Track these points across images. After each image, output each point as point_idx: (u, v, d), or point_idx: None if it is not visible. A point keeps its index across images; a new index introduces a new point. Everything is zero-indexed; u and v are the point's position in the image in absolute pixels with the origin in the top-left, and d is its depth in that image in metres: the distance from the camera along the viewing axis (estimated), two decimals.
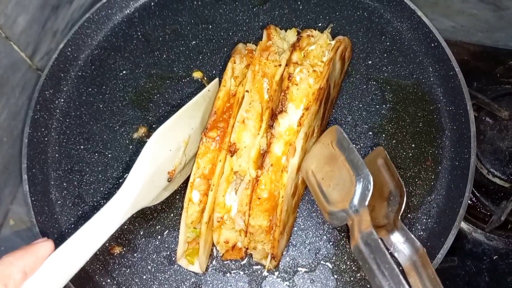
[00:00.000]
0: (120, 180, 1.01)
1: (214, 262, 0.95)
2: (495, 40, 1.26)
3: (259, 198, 0.83)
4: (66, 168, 1.03)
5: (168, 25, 1.14)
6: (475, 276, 1.07)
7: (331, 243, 0.95)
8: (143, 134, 1.05)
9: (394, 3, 1.09)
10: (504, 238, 1.08)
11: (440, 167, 0.99)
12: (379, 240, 0.75)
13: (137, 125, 1.05)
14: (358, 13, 1.12)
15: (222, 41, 1.12)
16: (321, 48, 0.92)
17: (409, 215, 0.96)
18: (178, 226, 0.91)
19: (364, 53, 1.08)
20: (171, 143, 0.89)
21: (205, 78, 1.08)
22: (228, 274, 0.94)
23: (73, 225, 0.99)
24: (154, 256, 0.96)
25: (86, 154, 1.04)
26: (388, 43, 1.09)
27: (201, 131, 0.94)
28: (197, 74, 1.09)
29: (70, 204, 1.00)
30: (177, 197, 0.98)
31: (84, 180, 1.02)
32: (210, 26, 1.13)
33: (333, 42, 0.93)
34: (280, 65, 0.90)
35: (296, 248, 0.95)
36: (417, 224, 0.96)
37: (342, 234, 0.95)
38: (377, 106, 1.04)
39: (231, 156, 0.86)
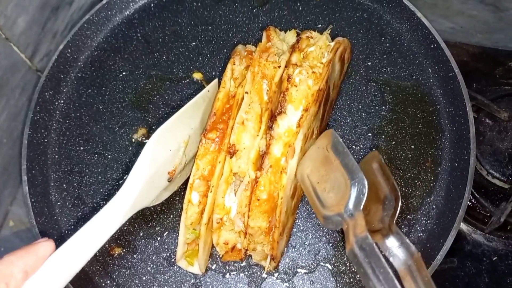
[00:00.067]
0: (120, 181, 1.01)
1: (213, 263, 0.95)
2: (494, 41, 1.26)
3: (258, 200, 0.83)
4: (65, 169, 1.03)
5: (167, 26, 1.14)
6: (474, 277, 1.07)
7: (330, 245, 0.95)
8: (143, 136, 1.05)
9: (394, 5, 1.09)
10: (503, 239, 1.08)
11: (439, 168, 0.99)
12: (374, 244, 0.74)
13: (137, 126, 1.06)
14: (357, 14, 1.12)
15: (221, 42, 1.12)
16: (321, 49, 0.92)
17: (408, 216, 0.97)
18: (177, 227, 0.91)
19: (364, 54, 1.08)
20: (171, 144, 0.89)
21: (205, 79, 1.09)
22: (227, 275, 0.94)
23: (72, 226, 0.99)
24: (153, 257, 0.96)
25: (85, 155, 1.04)
26: (387, 44, 1.09)
27: (201, 131, 0.94)
28: (196, 75, 1.09)
29: (70, 205, 1.00)
30: (177, 198, 0.99)
31: (84, 181, 1.02)
32: (209, 27, 1.13)
33: (332, 44, 0.93)
34: (279, 67, 0.90)
35: (295, 249, 0.95)
36: (417, 225, 0.96)
37: (342, 236, 0.95)
38: (377, 107, 1.04)
39: (231, 157, 0.86)
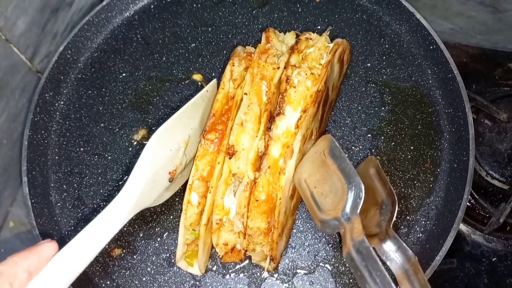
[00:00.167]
0: (120, 182, 1.02)
1: (213, 264, 0.95)
2: (493, 42, 1.26)
3: (257, 200, 0.83)
4: (66, 170, 1.03)
5: (167, 27, 1.14)
6: (474, 278, 1.07)
7: (330, 245, 0.95)
8: (143, 137, 1.05)
9: (393, 6, 1.09)
10: (503, 240, 1.08)
11: (439, 169, 0.99)
12: (371, 248, 0.75)
13: (137, 128, 1.06)
14: (357, 15, 1.12)
15: (221, 43, 1.12)
16: (320, 50, 0.92)
17: (408, 217, 0.97)
18: (177, 228, 0.90)
19: (363, 56, 1.09)
20: (171, 143, 0.89)
21: (205, 80, 1.09)
22: (227, 276, 0.94)
23: (73, 227, 0.99)
24: (153, 258, 0.96)
25: (86, 156, 1.04)
26: (387, 46, 1.09)
27: (201, 131, 0.94)
28: (196, 77, 1.09)
29: (70, 206, 1.00)
30: (177, 199, 0.99)
31: (84, 182, 1.02)
32: (209, 29, 1.13)
33: (331, 45, 0.94)
34: (278, 68, 0.91)
35: (295, 250, 0.95)
36: (416, 226, 0.96)
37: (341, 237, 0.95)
38: (376, 109, 1.05)
39: (230, 158, 0.86)
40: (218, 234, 0.89)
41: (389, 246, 0.86)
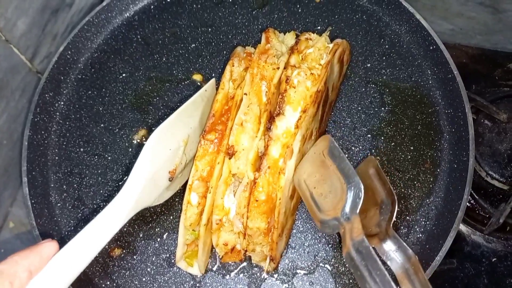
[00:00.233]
0: (120, 183, 1.02)
1: (213, 264, 0.95)
2: (493, 42, 1.26)
3: (256, 201, 0.83)
4: (66, 170, 1.03)
5: (167, 28, 1.14)
6: (474, 278, 1.07)
7: (330, 246, 0.96)
8: (143, 137, 1.05)
9: (393, 6, 1.09)
10: (502, 240, 1.08)
11: (438, 170, 0.99)
12: (371, 248, 0.75)
13: (137, 128, 1.06)
14: (357, 16, 1.12)
15: (221, 44, 1.12)
16: (319, 51, 0.92)
17: (407, 218, 0.97)
18: (177, 228, 0.91)
19: (363, 56, 1.09)
20: (171, 143, 0.89)
21: (205, 80, 1.09)
22: (227, 276, 0.94)
23: (73, 228, 0.99)
24: (153, 258, 0.96)
25: (86, 156, 1.04)
26: (386, 46, 1.09)
27: (200, 131, 0.94)
28: (196, 77, 1.09)
29: (70, 207, 1.01)
30: (177, 199, 0.99)
31: (84, 183, 1.02)
32: (209, 29, 1.13)
33: (331, 45, 0.94)
34: (278, 68, 0.91)
35: (295, 250, 0.95)
36: (416, 226, 0.96)
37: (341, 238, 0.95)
38: (376, 109, 1.05)
39: (229, 158, 0.86)
40: (218, 234, 0.89)
41: (389, 246, 0.86)
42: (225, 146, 0.86)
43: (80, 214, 1.00)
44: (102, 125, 1.06)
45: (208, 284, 0.94)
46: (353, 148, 1.02)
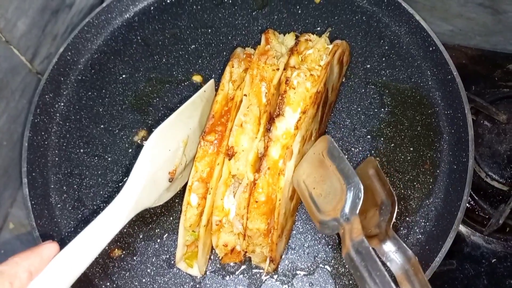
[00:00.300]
0: (120, 184, 1.02)
1: (213, 265, 0.95)
2: (493, 43, 1.26)
3: (256, 202, 0.83)
4: (66, 171, 1.03)
5: (167, 29, 1.14)
6: (473, 279, 1.07)
7: (329, 247, 0.96)
8: (143, 138, 1.05)
9: (392, 8, 1.09)
10: (502, 241, 1.08)
11: (438, 171, 1.00)
12: (370, 248, 0.75)
13: (137, 129, 1.06)
14: (356, 17, 1.12)
15: (221, 45, 1.12)
16: (319, 52, 0.92)
17: (407, 219, 0.97)
18: (177, 229, 0.91)
19: (363, 57, 1.09)
20: (170, 143, 0.89)
21: (204, 81, 1.09)
22: (227, 277, 0.94)
23: (73, 229, 0.99)
24: (153, 260, 0.96)
25: (86, 157, 1.04)
26: (386, 47, 1.09)
27: (200, 131, 0.94)
28: (196, 78, 1.10)
29: (70, 208, 1.01)
30: (177, 200, 0.99)
31: (84, 184, 1.02)
32: (209, 30, 1.13)
33: (330, 46, 0.94)
34: (278, 69, 0.91)
35: (295, 251, 0.96)
36: (416, 227, 0.96)
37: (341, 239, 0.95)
38: (376, 110, 1.05)
39: (229, 159, 0.86)
40: (218, 235, 0.89)
41: (389, 247, 0.86)
42: (225, 147, 0.86)
43: (80, 215, 1.00)
44: (102, 126, 1.06)
45: (208, 285, 0.94)
46: (352, 149, 1.02)
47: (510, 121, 1.12)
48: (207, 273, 0.94)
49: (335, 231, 0.81)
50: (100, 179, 1.02)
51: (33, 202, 0.97)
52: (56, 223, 0.99)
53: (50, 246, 0.72)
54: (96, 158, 1.04)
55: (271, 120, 0.86)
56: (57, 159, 1.04)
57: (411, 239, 0.95)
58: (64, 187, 1.02)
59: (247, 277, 0.94)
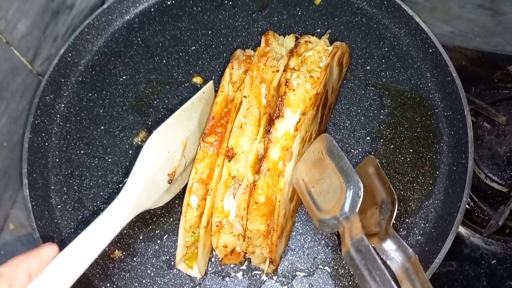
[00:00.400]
0: (120, 185, 1.02)
1: (213, 266, 0.95)
2: (493, 45, 1.26)
3: (256, 203, 0.83)
4: (66, 172, 1.03)
5: (168, 30, 1.14)
6: (473, 280, 1.07)
7: (329, 248, 0.96)
8: (143, 139, 1.05)
9: (392, 9, 1.09)
10: (502, 243, 1.08)
11: (438, 172, 1.00)
12: (370, 247, 0.75)
13: (137, 130, 1.06)
14: (356, 19, 1.12)
15: (221, 46, 1.12)
16: (319, 54, 0.93)
17: (407, 220, 0.97)
18: (177, 230, 0.91)
19: (362, 59, 1.09)
20: (169, 145, 0.90)
21: (205, 83, 1.09)
22: (227, 279, 0.94)
23: (73, 230, 0.99)
24: (153, 261, 0.96)
25: (86, 158, 1.04)
26: (386, 49, 1.09)
27: (199, 133, 0.95)
28: (196, 80, 1.10)
29: (70, 209, 1.01)
30: (177, 201, 0.99)
31: (84, 185, 1.02)
32: (209, 32, 1.14)
33: (330, 48, 0.94)
34: (278, 71, 0.91)
35: (294, 252, 0.96)
36: (415, 229, 0.96)
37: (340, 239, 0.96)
38: (375, 111, 1.05)
39: (229, 161, 0.86)
40: (218, 237, 0.89)
41: (389, 245, 0.86)
42: (225, 148, 0.87)
43: (80, 216, 1.00)
44: (102, 127, 1.06)
45: (208, 286, 0.94)
46: (352, 150, 1.02)
47: (510, 123, 1.12)
48: (207, 274, 0.95)
49: (335, 229, 0.81)
50: (100, 180, 1.02)
51: (33, 203, 0.97)
52: (57, 224, 1.00)
53: (50, 248, 0.72)
54: (96, 159, 1.04)
55: (271, 122, 0.86)
56: (57, 160, 1.04)
57: (410, 240, 0.96)
58: (65, 188, 1.02)
59: (247, 278, 0.94)
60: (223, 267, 0.95)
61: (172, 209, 0.99)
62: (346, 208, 0.78)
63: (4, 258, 0.71)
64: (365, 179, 0.85)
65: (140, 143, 1.05)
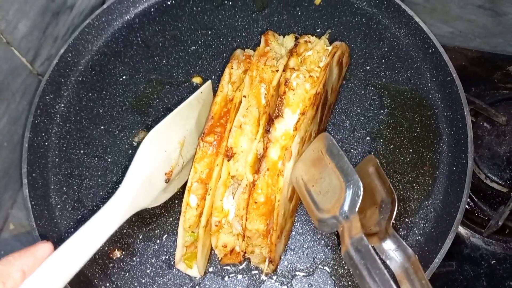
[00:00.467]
0: (120, 185, 1.02)
1: (212, 266, 0.95)
2: (493, 45, 1.26)
3: (255, 202, 0.83)
4: (66, 172, 1.03)
5: (167, 30, 1.14)
6: (473, 280, 1.07)
7: (329, 248, 0.96)
8: (143, 139, 1.05)
9: (392, 9, 1.09)
10: (502, 243, 1.08)
11: (437, 172, 1.00)
12: (370, 246, 0.75)
13: (137, 130, 1.06)
14: (356, 19, 1.12)
15: (221, 46, 1.12)
16: (318, 53, 0.93)
17: (406, 220, 0.97)
18: (177, 230, 0.91)
19: (362, 59, 1.09)
20: (166, 144, 0.89)
21: (204, 83, 1.09)
22: (226, 278, 0.94)
23: (72, 229, 0.99)
24: (153, 260, 0.96)
25: (86, 158, 1.04)
26: (386, 49, 1.10)
27: (197, 133, 0.95)
28: (196, 80, 1.10)
29: (70, 208, 1.01)
30: (176, 201, 0.99)
31: (84, 185, 1.02)
32: (209, 32, 1.14)
33: (330, 48, 0.94)
34: (277, 71, 0.91)
35: (294, 252, 0.96)
36: (415, 229, 0.96)
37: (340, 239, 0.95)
38: (375, 111, 1.05)
39: (228, 160, 0.86)
40: (217, 236, 0.89)
41: (388, 245, 0.86)
42: (224, 148, 0.87)
43: (80, 216, 1.00)
44: (102, 127, 1.07)
45: (207, 286, 0.94)
46: (352, 150, 1.02)
47: (510, 123, 1.12)
48: (207, 273, 0.95)
49: (334, 229, 0.81)
50: (100, 180, 1.02)
51: (33, 203, 0.97)
52: (56, 224, 1.00)
53: (45, 246, 0.72)
54: (96, 159, 1.04)
55: (270, 121, 0.86)
56: (57, 160, 1.04)
57: (410, 240, 0.95)
58: (64, 188, 1.02)
59: (246, 278, 0.94)
60: (222, 266, 0.95)
61: (171, 208, 0.99)
62: (346, 207, 0.78)
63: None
64: (365, 178, 0.84)
65: (139, 143, 1.04)
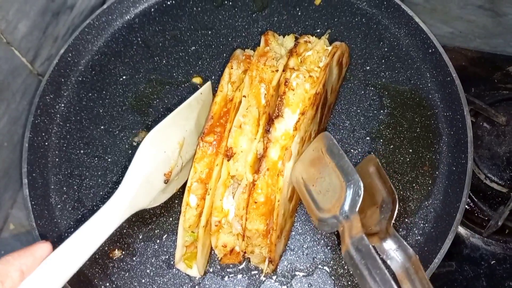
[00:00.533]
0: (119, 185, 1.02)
1: (212, 266, 0.95)
2: (493, 46, 1.26)
3: (255, 202, 0.83)
4: (66, 172, 1.03)
5: (168, 31, 1.14)
6: (473, 281, 1.07)
7: (328, 248, 0.96)
8: (143, 139, 1.05)
9: (392, 10, 1.09)
10: (501, 243, 1.08)
11: (437, 172, 1.00)
12: (370, 246, 0.74)
13: (137, 130, 1.06)
14: (356, 19, 1.12)
15: (221, 46, 1.12)
16: (318, 53, 0.93)
17: (406, 220, 0.97)
18: (176, 230, 0.91)
19: (362, 59, 1.09)
20: (166, 145, 0.89)
21: (204, 83, 1.09)
22: (226, 278, 0.94)
23: (72, 229, 0.99)
24: (153, 260, 0.96)
25: (86, 158, 1.04)
26: (386, 49, 1.10)
27: (196, 134, 0.95)
28: (196, 80, 1.10)
29: (70, 208, 1.01)
30: (176, 201, 0.99)
31: (84, 185, 1.02)
32: (209, 32, 1.14)
33: (330, 48, 0.94)
34: (277, 71, 0.91)
35: (294, 252, 0.96)
36: (414, 229, 0.96)
37: (340, 239, 0.95)
38: (375, 112, 1.05)
39: (228, 160, 0.86)
40: (217, 236, 0.90)
41: (389, 245, 0.86)
42: (224, 148, 0.87)
43: (80, 216, 1.00)
44: (102, 127, 1.07)
45: (207, 286, 0.94)
46: (352, 150, 1.02)
47: (509, 123, 1.12)
48: (206, 273, 0.95)
49: (334, 228, 0.81)
50: (100, 180, 1.02)
51: (33, 203, 0.97)
52: (56, 224, 1.00)
53: (43, 246, 0.72)
54: (96, 159, 1.04)
55: (270, 121, 0.86)
56: (57, 160, 1.04)
57: (410, 240, 0.95)
58: (64, 188, 1.02)
59: (246, 277, 0.94)
60: (222, 266, 0.95)
61: (171, 208, 0.99)
62: (346, 207, 0.78)
63: None
64: (365, 178, 0.84)
65: (139, 143, 1.04)
